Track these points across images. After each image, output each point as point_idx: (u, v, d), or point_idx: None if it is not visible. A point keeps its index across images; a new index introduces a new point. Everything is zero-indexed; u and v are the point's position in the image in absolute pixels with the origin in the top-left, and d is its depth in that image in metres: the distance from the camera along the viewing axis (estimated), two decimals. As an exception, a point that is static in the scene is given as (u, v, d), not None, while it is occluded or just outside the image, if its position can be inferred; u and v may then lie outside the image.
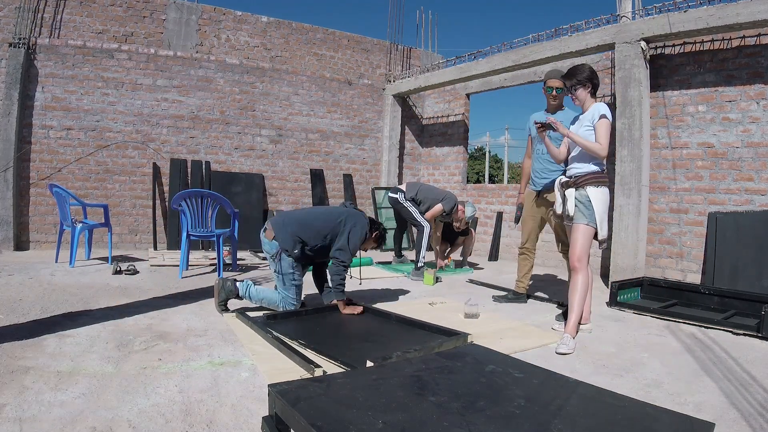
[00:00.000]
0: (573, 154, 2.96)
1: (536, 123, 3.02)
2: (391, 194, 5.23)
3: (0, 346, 2.25)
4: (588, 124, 2.89)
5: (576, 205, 2.86)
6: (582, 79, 2.90)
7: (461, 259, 5.69)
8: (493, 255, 6.49)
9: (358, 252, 3.38)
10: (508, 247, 6.41)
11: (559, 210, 2.99)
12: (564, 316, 3.18)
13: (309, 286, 4.15)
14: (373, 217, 3.53)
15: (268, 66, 6.85)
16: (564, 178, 2.98)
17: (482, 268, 5.67)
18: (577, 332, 2.83)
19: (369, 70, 7.72)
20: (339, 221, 3.20)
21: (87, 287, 3.68)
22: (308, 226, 3.16)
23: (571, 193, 2.89)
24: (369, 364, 2.05)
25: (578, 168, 2.91)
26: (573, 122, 3.06)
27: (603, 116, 2.82)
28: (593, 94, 2.95)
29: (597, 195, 2.83)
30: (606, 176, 2.91)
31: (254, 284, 3.24)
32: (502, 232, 6.49)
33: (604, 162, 2.91)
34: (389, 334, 2.77)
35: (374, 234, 3.38)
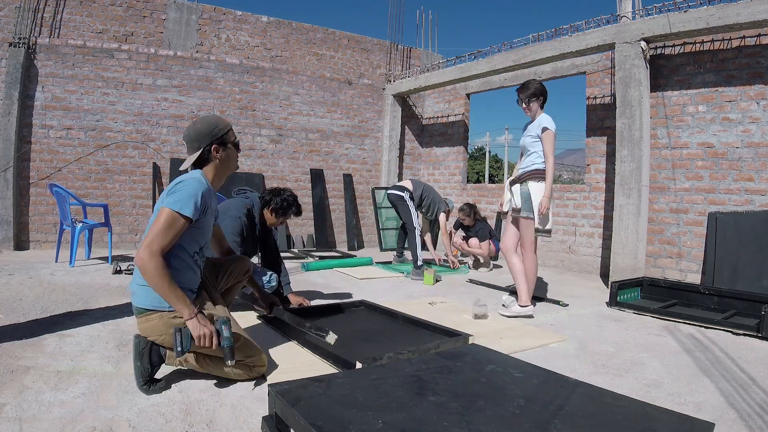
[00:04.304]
0: (532, 150, 3.35)
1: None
2: (394, 192, 5.16)
3: (0, 345, 2.25)
4: (533, 135, 3.30)
5: (520, 200, 3.32)
6: (535, 92, 3.32)
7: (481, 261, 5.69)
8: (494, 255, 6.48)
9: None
10: (508, 247, 6.40)
11: (506, 207, 3.53)
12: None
13: (310, 284, 4.16)
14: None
15: (268, 66, 6.85)
16: (513, 178, 3.48)
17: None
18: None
19: (369, 70, 7.72)
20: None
21: (87, 287, 3.68)
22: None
23: (516, 188, 3.37)
24: (359, 365, 2.05)
25: (524, 167, 3.37)
26: (525, 128, 3.47)
27: (545, 129, 3.23)
28: (542, 107, 3.37)
29: (537, 189, 3.26)
30: (544, 173, 3.28)
31: None
32: (502, 231, 6.49)
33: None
34: (390, 333, 2.77)
35: (270, 209, 3.19)
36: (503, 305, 3.42)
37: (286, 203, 3.18)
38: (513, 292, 4.07)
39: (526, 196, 3.29)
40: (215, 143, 2.02)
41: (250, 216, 3.15)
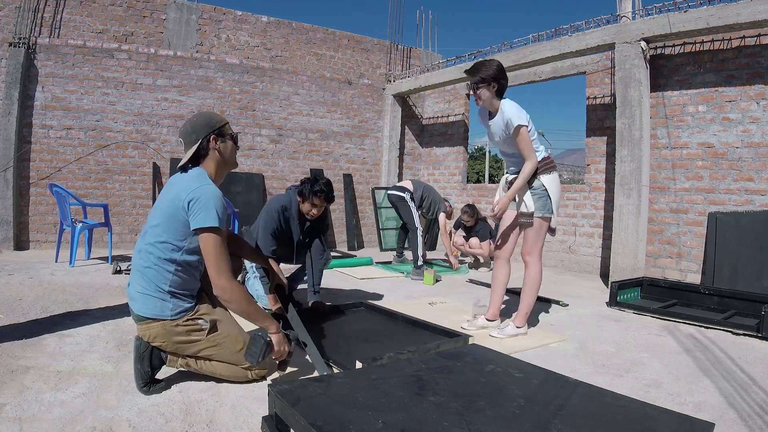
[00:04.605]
0: (513, 150, 2.79)
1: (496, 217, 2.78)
2: (394, 192, 5.16)
3: (0, 345, 2.25)
4: (504, 135, 2.72)
5: (534, 200, 2.72)
6: (486, 76, 2.66)
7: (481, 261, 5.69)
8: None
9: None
10: (508, 247, 6.40)
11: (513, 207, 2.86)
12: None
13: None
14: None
15: (268, 66, 6.85)
16: (510, 177, 2.86)
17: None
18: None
19: (369, 70, 7.72)
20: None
21: (87, 287, 3.68)
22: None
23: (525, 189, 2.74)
24: (358, 365, 2.05)
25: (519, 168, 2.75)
26: (482, 116, 2.87)
27: (519, 126, 2.60)
28: (500, 95, 2.72)
29: (550, 182, 2.71)
30: (552, 160, 2.77)
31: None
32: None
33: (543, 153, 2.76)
34: (390, 334, 2.77)
35: (302, 198, 3.03)
36: (481, 327, 2.93)
37: (312, 185, 3.01)
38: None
39: (541, 192, 2.71)
40: (213, 134, 1.98)
41: (285, 214, 3.07)
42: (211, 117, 2.03)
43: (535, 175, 2.71)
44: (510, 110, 2.63)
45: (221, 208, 1.87)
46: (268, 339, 1.87)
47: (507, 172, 2.96)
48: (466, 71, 2.81)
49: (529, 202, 2.73)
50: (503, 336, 2.76)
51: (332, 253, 6.42)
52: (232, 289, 1.83)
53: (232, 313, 2.03)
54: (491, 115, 2.80)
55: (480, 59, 2.83)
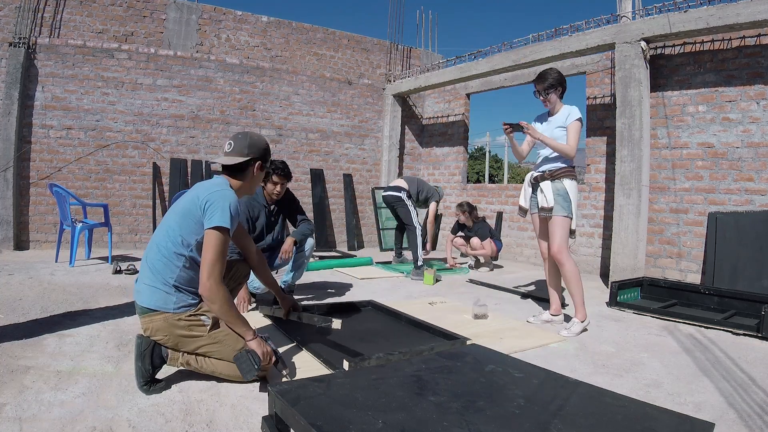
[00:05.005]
0: (546, 150, 3.12)
1: (504, 124, 3.05)
2: (390, 193, 5.12)
3: (0, 345, 2.25)
4: (561, 125, 3.05)
5: (555, 198, 3.02)
6: (554, 82, 3.08)
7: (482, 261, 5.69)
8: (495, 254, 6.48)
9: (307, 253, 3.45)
10: (508, 246, 6.41)
11: (524, 204, 3.24)
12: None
13: (310, 284, 4.15)
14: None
15: (268, 66, 6.85)
16: (535, 173, 3.18)
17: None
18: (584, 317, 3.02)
19: (369, 70, 7.72)
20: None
21: (87, 287, 3.68)
22: None
23: (547, 185, 3.05)
24: (346, 364, 2.05)
25: (552, 163, 3.09)
26: (540, 120, 3.23)
27: (578, 119, 3.01)
28: (562, 97, 3.14)
29: (572, 188, 3.04)
30: (575, 172, 3.12)
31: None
32: (503, 232, 6.49)
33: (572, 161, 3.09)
34: (388, 334, 2.77)
35: (264, 181, 3.27)
36: (546, 321, 3.19)
37: (270, 164, 3.25)
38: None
39: (563, 193, 3.01)
40: (261, 161, 2.11)
41: (252, 203, 3.32)
42: (267, 145, 2.17)
43: (560, 177, 3.04)
44: (575, 108, 3.07)
45: (236, 212, 1.94)
46: (247, 350, 1.89)
47: (535, 171, 3.21)
48: (534, 81, 3.16)
49: (549, 197, 3.02)
50: (572, 335, 2.91)
51: (332, 253, 6.44)
52: (218, 292, 1.85)
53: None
54: (551, 115, 3.17)
55: (543, 69, 3.19)
